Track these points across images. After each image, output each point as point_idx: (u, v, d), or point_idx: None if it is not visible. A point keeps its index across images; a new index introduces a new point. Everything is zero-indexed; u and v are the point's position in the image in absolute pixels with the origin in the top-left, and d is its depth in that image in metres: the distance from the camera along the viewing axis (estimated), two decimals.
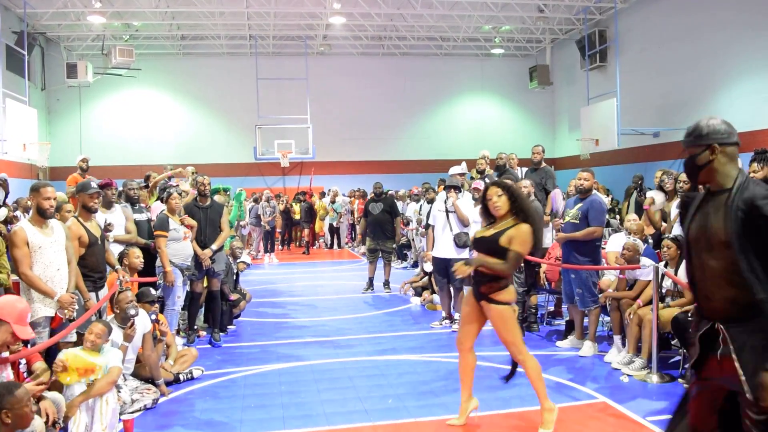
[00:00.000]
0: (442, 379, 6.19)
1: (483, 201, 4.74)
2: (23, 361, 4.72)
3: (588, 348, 6.87)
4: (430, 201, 10.24)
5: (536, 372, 4.67)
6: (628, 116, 17.57)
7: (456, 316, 8.20)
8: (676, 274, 6.15)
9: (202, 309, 8.33)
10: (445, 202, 8.28)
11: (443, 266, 8.16)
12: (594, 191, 7.07)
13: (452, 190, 8.27)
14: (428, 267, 8.71)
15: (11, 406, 3.50)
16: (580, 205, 6.91)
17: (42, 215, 5.15)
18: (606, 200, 13.90)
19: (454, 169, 10.06)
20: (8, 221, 7.34)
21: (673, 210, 7.17)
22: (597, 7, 19.27)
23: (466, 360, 4.87)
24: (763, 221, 2.74)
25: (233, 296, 8.57)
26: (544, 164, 9.69)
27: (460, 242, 8.07)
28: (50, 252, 5.12)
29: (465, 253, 8.13)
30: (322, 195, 20.92)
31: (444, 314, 8.48)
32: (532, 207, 4.78)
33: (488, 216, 4.75)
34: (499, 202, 4.61)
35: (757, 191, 2.80)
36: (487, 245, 4.57)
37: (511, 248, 4.47)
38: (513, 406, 5.33)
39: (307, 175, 22.08)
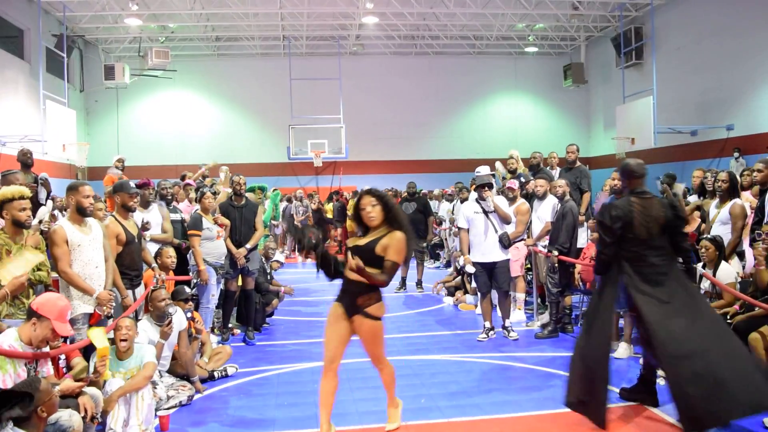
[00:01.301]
0: (475, 379, 6.16)
1: (356, 210, 4.53)
2: (63, 356, 4.82)
3: (623, 350, 6.78)
4: (464, 201, 10.15)
5: (391, 376, 4.74)
6: (665, 114, 17.31)
7: (507, 323, 7.88)
8: (714, 275, 6.03)
9: (236, 307, 8.41)
10: (479, 202, 7.77)
11: (489, 270, 7.73)
12: None
13: (486, 188, 7.75)
14: (470, 269, 8.18)
15: (42, 401, 3.59)
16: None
17: (82, 213, 5.25)
18: None
19: (483, 169, 9.80)
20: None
21: (712, 210, 7.03)
22: (633, 3, 19.00)
23: (333, 382, 4.46)
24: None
25: (274, 287, 8.75)
26: (578, 163, 9.59)
27: (506, 243, 7.65)
28: (89, 250, 5.22)
29: (510, 254, 7.88)
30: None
31: (488, 324, 7.82)
32: (405, 217, 4.62)
33: (360, 225, 4.55)
34: (374, 212, 4.42)
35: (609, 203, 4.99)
36: (362, 254, 4.30)
37: (387, 258, 4.33)
38: (547, 407, 5.28)
39: (336, 174, 22.16)
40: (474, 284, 9.48)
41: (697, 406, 4.19)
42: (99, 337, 4.53)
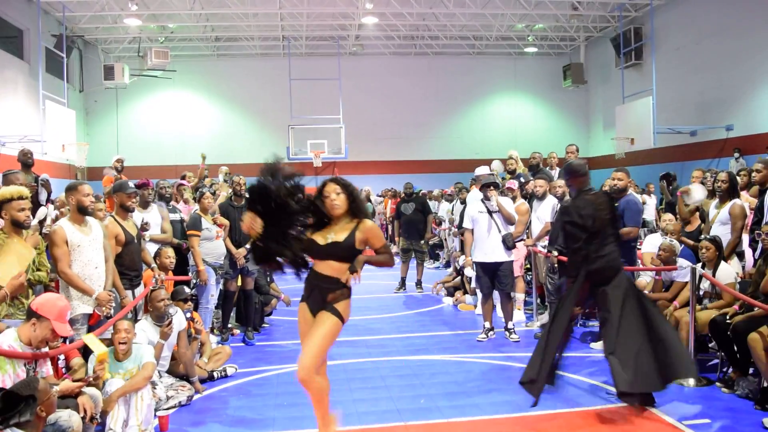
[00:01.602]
0: (474, 379, 6.16)
1: (318, 198, 4.23)
2: (62, 356, 4.82)
3: None
4: (463, 201, 10.13)
5: (323, 394, 4.17)
6: (665, 114, 17.31)
7: (510, 325, 7.82)
8: (714, 275, 6.03)
9: (235, 308, 8.41)
10: (484, 202, 7.69)
11: (492, 271, 7.65)
12: (630, 191, 6.97)
13: (491, 188, 7.67)
14: (470, 272, 8.06)
15: (41, 401, 3.59)
16: (615, 205, 6.80)
17: (83, 212, 5.25)
18: (651, 200, 13.63)
19: (482, 170, 9.81)
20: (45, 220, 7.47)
21: (712, 210, 7.04)
22: (632, 4, 19.00)
23: (322, 385, 4.16)
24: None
25: (274, 292, 8.77)
26: None
27: (509, 243, 7.54)
28: (89, 250, 5.22)
29: (513, 255, 7.78)
30: None
31: (488, 325, 7.77)
32: (367, 207, 4.59)
33: (318, 214, 4.23)
34: (338, 200, 4.16)
35: (570, 203, 5.53)
36: (343, 251, 4.14)
37: (377, 247, 4.27)
38: (546, 408, 5.27)
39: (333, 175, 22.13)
40: (474, 284, 9.48)
41: (625, 379, 4.82)
42: (94, 342, 4.54)
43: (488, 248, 7.62)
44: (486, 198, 7.69)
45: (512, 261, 7.77)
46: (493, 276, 7.66)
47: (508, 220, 7.63)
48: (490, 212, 7.64)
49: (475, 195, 9.57)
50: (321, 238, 4.19)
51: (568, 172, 5.53)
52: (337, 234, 4.18)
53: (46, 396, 3.63)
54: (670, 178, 12.08)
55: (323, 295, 4.18)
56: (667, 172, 12.45)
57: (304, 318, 4.26)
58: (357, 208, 4.25)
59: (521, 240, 8.55)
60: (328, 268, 4.17)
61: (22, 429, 3.49)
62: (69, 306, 4.36)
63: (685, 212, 7.80)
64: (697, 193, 7.71)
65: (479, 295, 9.38)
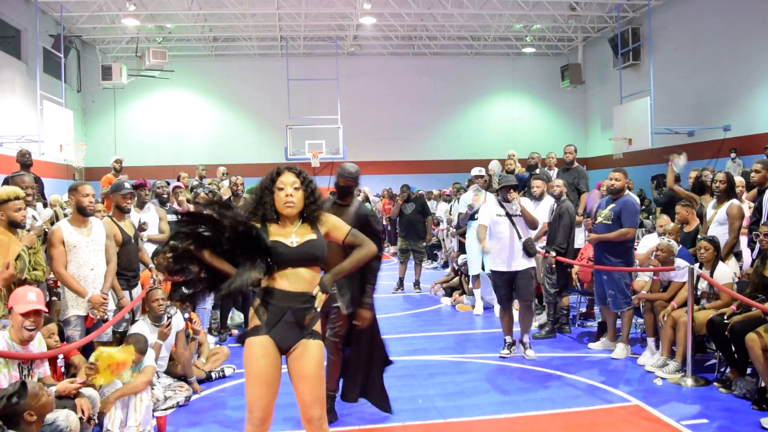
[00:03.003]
0: (472, 380, 6.16)
1: (268, 188, 3.33)
2: (60, 356, 4.81)
3: (621, 350, 6.78)
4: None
5: None
6: (662, 115, 17.32)
7: (525, 339, 6.96)
8: (711, 275, 6.03)
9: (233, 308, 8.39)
10: (503, 205, 6.88)
11: (510, 280, 6.90)
12: (627, 191, 6.96)
13: (512, 190, 6.82)
14: (489, 248, 7.42)
15: (30, 405, 3.57)
16: (612, 205, 6.80)
17: (83, 213, 5.25)
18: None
19: (475, 171, 9.76)
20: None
21: (710, 210, 7.04)
22: (630, 4, 19.02)
23: None
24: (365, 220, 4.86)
25: None
26: (576, 164, 9.59)
27: (531, 250, 6.83)
28: (86, 252, 5.21)
29: (533, 262, 7.05)
30: None
31: (509, 339, 6.99)
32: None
33: (260, 211, 3.32)
34: (295, 196, 3.27)
35: (368, 210, 5.31)
36: (322, 251, 3.34)
37: (344, 235, 3.42)
38: (544, 408, 5.28)
39: (333, 175, 22.08)
40: (471, 285, 9.48)
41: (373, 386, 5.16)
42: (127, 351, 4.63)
43: (508, 256, 6.84)
44: (505, 200, 6.88)
45: (533, 267, 7.05)
46: (512, 284, 6.93)
47: (531, 225, 6.92)
48: (509, 216, 6.86)
49: (468, 196, 9.58)
50: (284, 239, 3.28)
51: (357, 178, 5.23)
52: (299, 234, 3.31)
53: (35, 399, 3.61)
54: (661, 179, 12.20)
55: (299, 320, 3.29)
56: (658, 174, 12.51)
57: (263, 356, 3.38)
58: (315, 211, 3.35)
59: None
60: (300, 280, 3.27)
61: (18, 430, 3.49)
62: (29, 288, 4.30)
63: (680, 191, 7.87)
64: (682, 160, 7.83)
65: (477, 295, 9.40)
